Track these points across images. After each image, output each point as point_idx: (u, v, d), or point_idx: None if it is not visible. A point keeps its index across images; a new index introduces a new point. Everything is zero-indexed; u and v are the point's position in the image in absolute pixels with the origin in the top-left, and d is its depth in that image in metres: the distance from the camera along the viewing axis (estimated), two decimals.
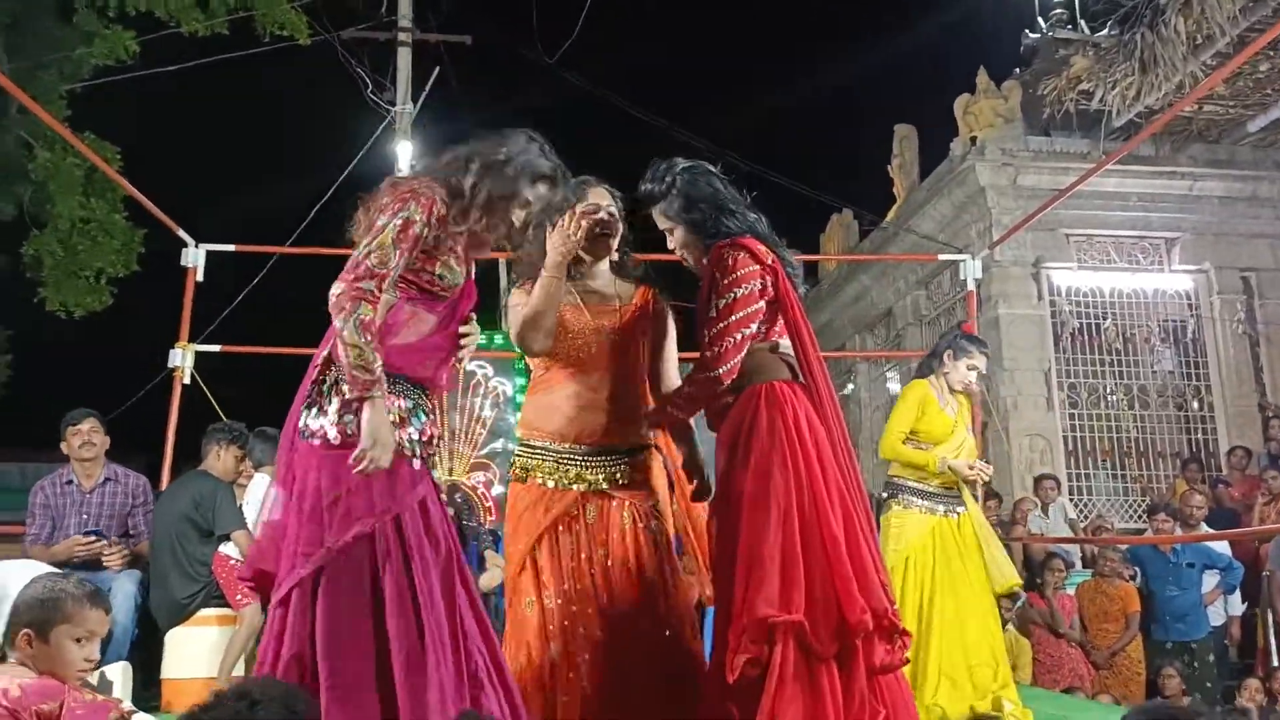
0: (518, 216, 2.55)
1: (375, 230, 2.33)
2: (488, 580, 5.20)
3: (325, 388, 2.37)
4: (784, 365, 2.76)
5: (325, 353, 2.39)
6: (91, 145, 9.13)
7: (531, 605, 2.73)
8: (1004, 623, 6.09)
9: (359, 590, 2.24)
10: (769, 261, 2.70)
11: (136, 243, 10.05)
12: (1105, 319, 10.68)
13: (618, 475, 2.83)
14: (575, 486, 2.79)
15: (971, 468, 4.33)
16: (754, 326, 2.66)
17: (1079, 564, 7.64)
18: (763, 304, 2.68)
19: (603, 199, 2.92)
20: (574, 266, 2.89)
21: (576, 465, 2.81)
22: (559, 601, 2.71)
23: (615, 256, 3.00)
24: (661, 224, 2.88)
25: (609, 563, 2.75)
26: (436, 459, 2.62)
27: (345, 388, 2.30)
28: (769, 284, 2.69)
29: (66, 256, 9.72)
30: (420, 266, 2.42)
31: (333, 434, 2.30)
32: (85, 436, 4.81)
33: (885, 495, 4.47)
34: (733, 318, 2.63)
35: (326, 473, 2.29)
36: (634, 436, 2.90)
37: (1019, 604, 6.50)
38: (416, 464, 2.39)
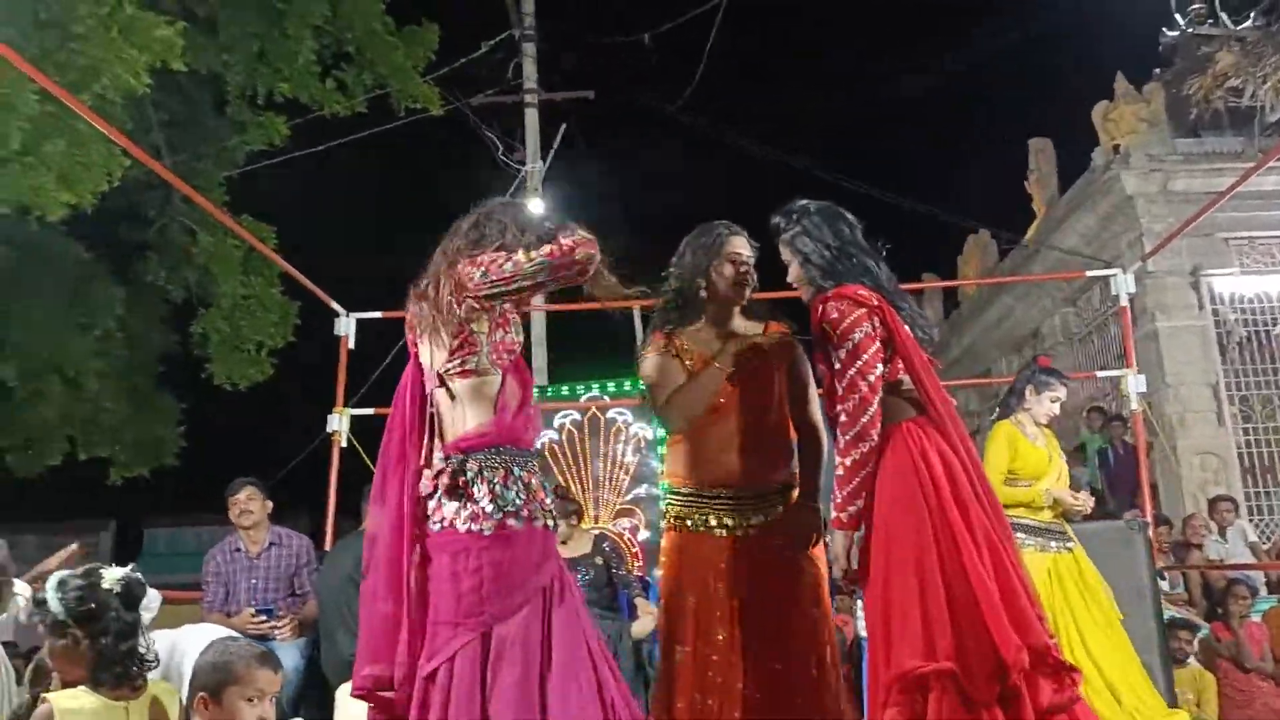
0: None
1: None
2: (640, 628, 5.19)
3: (468, 478, 2.46)
4: (908, 404, 2.70)
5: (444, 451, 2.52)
6: (248, 227, 9.73)
7: (683, 653, 2.73)
8: (1185, 656, 5.74)
9: (529, 656, 2.35)
10: (874, 303, 2.65)
11: (292, 315, 10.61)
12: (1276, 325, 10.04)
13: (767, 516, 2.82)
14: (727, 532, 2.80)
15: (1075, 497, 4.31)
16: (880, 368, 2.61)
17: (1264, 590, 7.12)
18: (879, 344, 2.63)
19: (743, 249, 2.99)
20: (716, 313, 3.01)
21: (727, 509, 2.82)
22: (714, 648, 2.70)
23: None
24: (784, 256, 2.90)
25: (762, 607, 2.73)
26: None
27: (489, 476, 2.45)
28: (878, 323, 2.64)
29: (230, 332, 10.33)
30: (503, 336, 2.55)
31: (488, 526, 2.41)
32: (243, 505, 5.01)
33: None
34: (857, 363, 2.59)
35: (488, 559, 2.40)
36: (781, 475, 2.90)
37: (1200, 634, 6.09)
38: (552, 530, 2.55)
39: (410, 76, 10.61)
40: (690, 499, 2.87)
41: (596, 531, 6.45)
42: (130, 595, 2.55)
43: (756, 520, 2.82)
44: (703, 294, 2.97)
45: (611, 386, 8.89)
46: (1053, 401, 4.48)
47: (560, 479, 8.26)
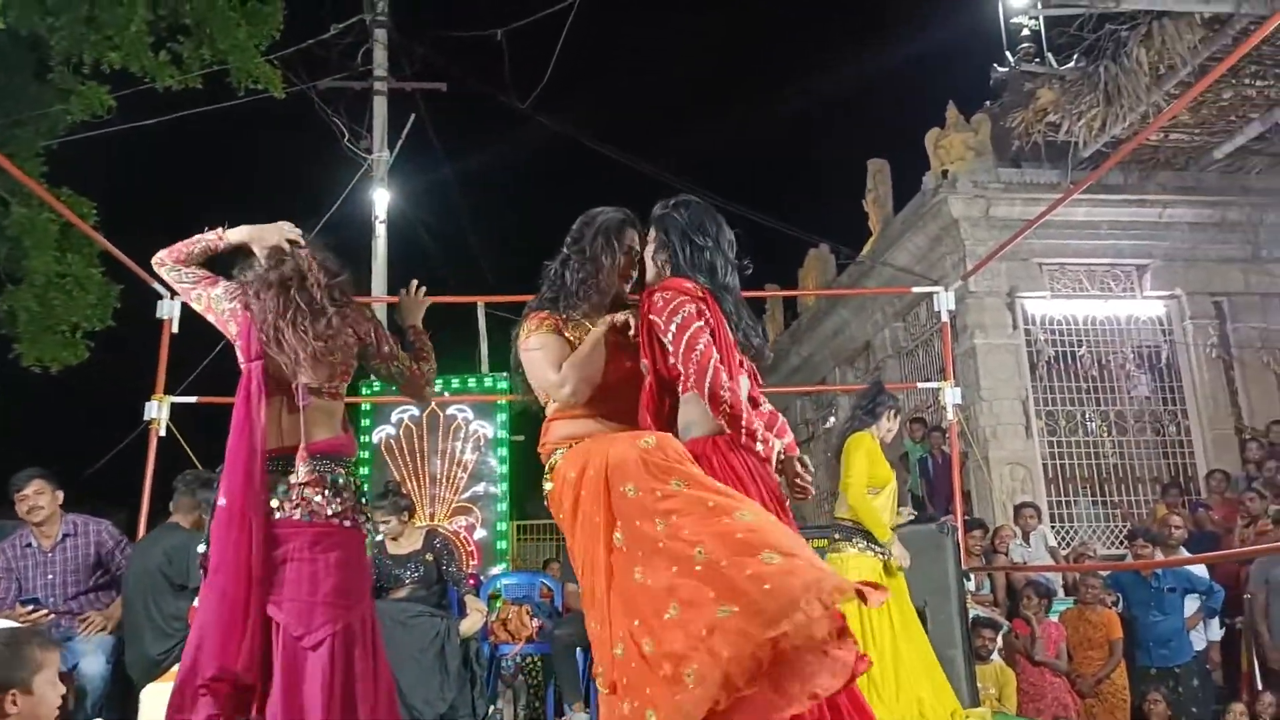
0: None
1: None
2: (468, 625, 5.16)
3: (331, 478, 2.86)
4: (709, 419, 2.71)
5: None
6: (68, 201, 9.15)
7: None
8: (988, 652, 6.11)
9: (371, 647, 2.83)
10: (698, 294, 2.72)
11: (112, 297, 10.03)
12: (1080, 346, 10.78)
13: None
14: None
15: (903, 557, 4.75)
16: (707, 336, 2.65)
17: (1061, 592, 7.64)
18: (704, 323, 2.68)
19: (636, 242, 2.96)
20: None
21: None
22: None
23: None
24: (650, 237, 2.92)
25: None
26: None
27: (343, 479, 2.91)
28: (703, 309, 2.70)
29: (42, 312, 9.68)
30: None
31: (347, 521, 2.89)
32: (31, 501, 4.69)
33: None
34: (686, 334, 2.64)
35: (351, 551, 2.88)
36: None
37: (1003, 632, 6.49)
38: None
39: (252, 55, 10.17)
40: None
41: (427, 528, 6.37)
42: None
43: None
44: (597, 281, 2.88)
45: (455, 383, 8.80)
46: (896, 421, 5.00)
47: (396, 475, 8.11)
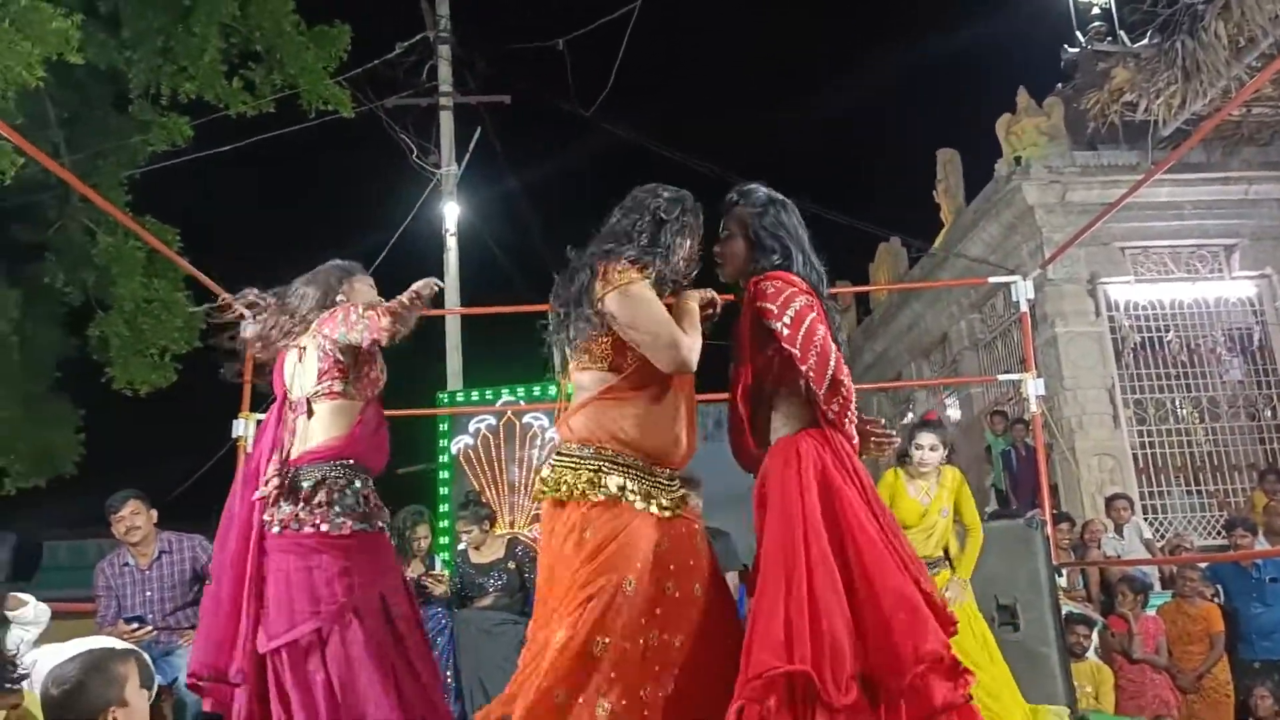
0: None
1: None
2: None
3: (309, 486, 2.97)
4: (808, 411, 2.66)
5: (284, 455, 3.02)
6: (151, 229, 9.46)
7: (600, 645, 2.42)
8: (1083, 650, 5.94)
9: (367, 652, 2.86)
10: (805, 288, 2.67)
11: (198, 320, 10.32)
12: (1168, 331, 10.46)
13: (689, 498, 2.72)
14: (666, 513, 2.58)
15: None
16: (823, 328, 2.59)
17: (1158, 585, 7.41)
18: (816, 315, 2.61)
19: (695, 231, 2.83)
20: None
21: (663, 490, 2.62)
22: (660, 637, 2.49)
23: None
24: (728, 229, 2.82)
25: (695, 592, 2.58)
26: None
27: (338, 487, 3.00)
28: (813, 303, 2.63)
29: (132, 336, 10.01)
30: (368, 371, 3.13)
31: (342, 526, 2.95)
32: (128, 521, 4.81)
33: None
34: (804, 326, 2.55)
35: (339, 558, 2.93)
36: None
37: (1098, 628, 6.31)
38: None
39: (320, 77, 10.43)
40: (633, 471, 2.57)
41: (509, 536, 6.42)
42: None
43: (681, 500, 2.66)
44: (694, 257, 2.79)
45: (532, 391, 8.86)
46: (919, 450, 4.78)
47: (475, 484, 8.20)
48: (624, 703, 2.39)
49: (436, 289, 3.01)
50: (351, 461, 3.06)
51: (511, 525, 8.18)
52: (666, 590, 2.51)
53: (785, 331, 2.57)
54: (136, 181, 10.40)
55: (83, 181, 7.43)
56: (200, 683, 2.89)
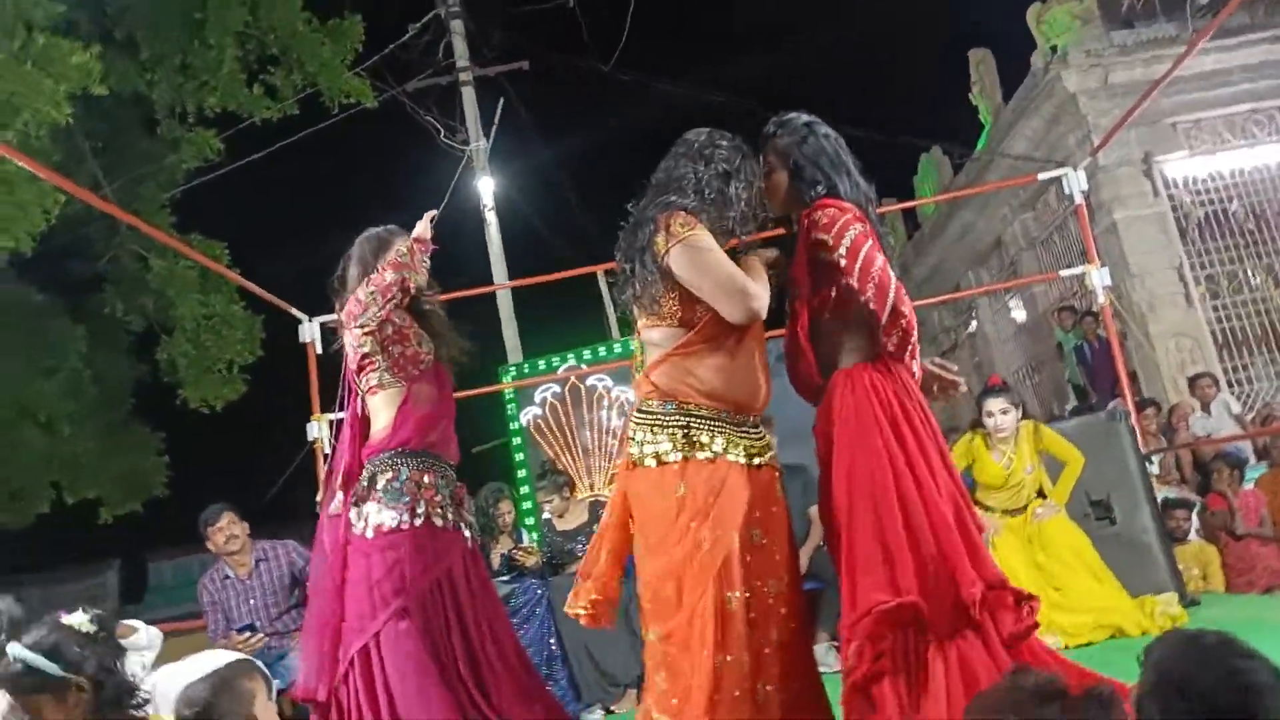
0: None
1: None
2: None
3: (367, 484, 2.94)
4: (870, 343, 2.60)
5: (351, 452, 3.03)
6: (199, 246, 9.61)
7: (735, 600, 2.40)
8: (1184, 533, 5.84)
9: (420, 650, 2.78)
10: (859, 214, 2.59)
11: (257, 329, 10.49)
12: (1231, 201, 10.12)
13: (769, 445, 2.63)
14: (756, 460, 2.53)
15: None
16: (880, 256, 2.53)
17: (1253, 459, 7.23)
18: (873, 243, 2.54)
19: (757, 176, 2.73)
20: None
21: (750, 438, 2.55)
22: (760, 589, 2.44)
23: None
24: (768, 163, 2.74)
25: (778, 539, 2.52)
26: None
27: (381, 480, 2.94)
28: (867, 231, 2.57)
29: (197, 355, 10.21)
30: (402, 351, 3.04)
31: (388, 521, 2.88)
32: (225, 533, 4.90)
33: None
34: (861, 256, 2.50)
35: (390, 557, 2.86)
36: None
37: (1196, 510, 6.18)
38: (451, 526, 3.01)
39: (339, 71, 10.44)
40: (715, 423, 2.50)
41: (591, 499, 6.46)
42: (104, 633, 2.53)
43: (765, 446, 2.59)
44: (759, 207, 2.68)
45: (587, 354, 8.87)
46: (990, 418, 4.84)
47: (548, 452, 8.26)
48: (746, 656, 2.37)
49: (432, 220, 3.10)
50: (400, 449, 2.97)
51: (591, 488, 8.24)
52: (754, 539, 2.47)
53: (843, 262, 2.52)
54: (178, 201, 10.55)
55: (125, 209, 7.56)
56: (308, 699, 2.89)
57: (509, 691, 2.91)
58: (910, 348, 2.56)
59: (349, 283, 3.11)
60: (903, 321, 2.52)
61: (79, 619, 2.52)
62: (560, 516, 5.63)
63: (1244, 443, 7.34)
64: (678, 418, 2.51)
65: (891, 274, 2.53)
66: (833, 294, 2.63)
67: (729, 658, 2.34)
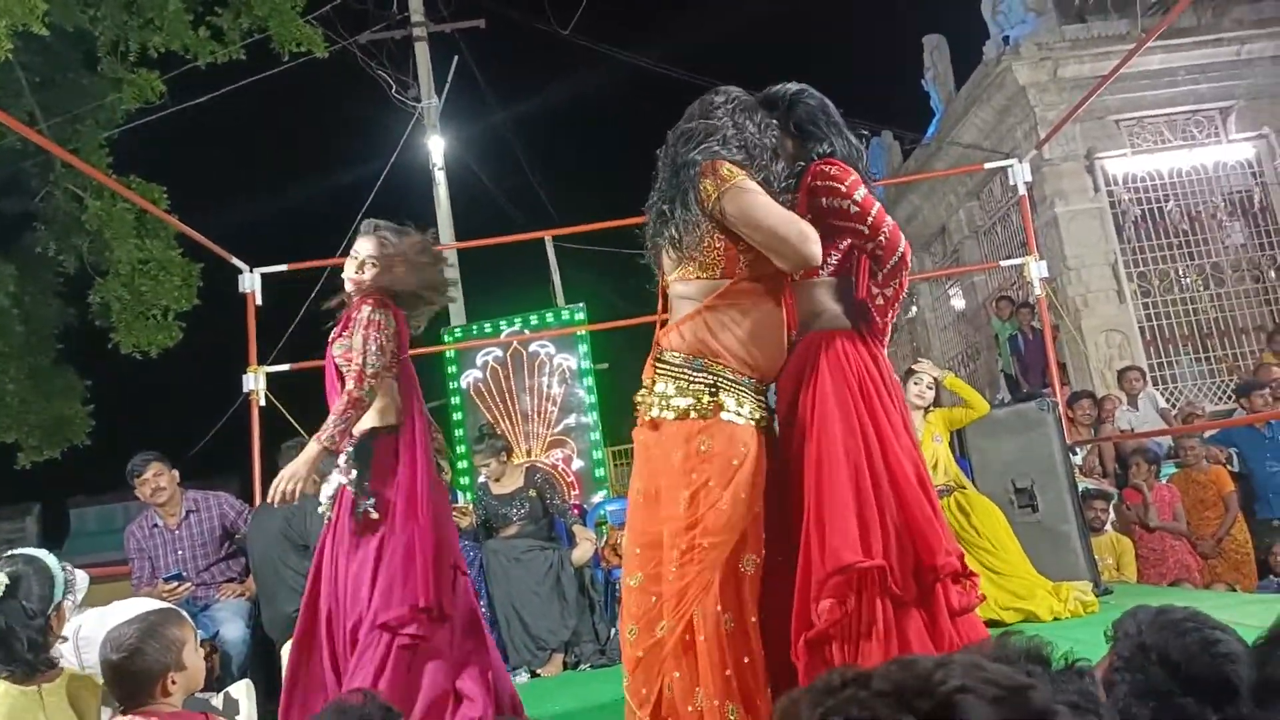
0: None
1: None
2: (580, 555, 5.27)
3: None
4: (850, 311, 2.65)
5: None
6: (138, 189, 9.36)
7: (751, 563, 2.44)
8: (1101, 524, 6.03)
9: None
10: (859, 178, 2.64)
11: (195, 276, 10.27)
12: (1168, 201, 10.37)
13: (771, 409, 2.65)
14: (762, 423, 2.55)
15: None
16: (888, 217, 2.59)
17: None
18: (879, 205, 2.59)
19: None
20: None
21: (759, 402, 2.57)
22: (766, 551, 2.49)
23: None
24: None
25: (768, 500, 2.53)
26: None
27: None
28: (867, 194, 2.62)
29: (132, 299, 9.97)
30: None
31: None
32: (152, 483, 4.85)
33: None
34: (873, 210, 2.54)
35: None
36: None
37: (1113, 502, 6.39)
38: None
39: (291, 18, 10.19)
40: (738, 386, 2.52)
41: (528, 465, 6.48)
42: (23, 582, 2.50)
43: (769, 410, 2.63)
44: (780, 173, 2.66)
45: (533, 319, 8.86)
46: (915, 384, 5.20)
47: (487, 416, 8.25)
48: (753, 619, 2.43)
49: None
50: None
51: (528, 454, 8.25)
52: (763, 505, 2.52)
53: (855, 209, 2.55)
54: (116, 142, 10.25)
55: (62, 147, 7.34)
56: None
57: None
58: (893, 311, 2.62)
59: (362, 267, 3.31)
60: (901, 277, 2.58)
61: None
62: (496, 480, 5.64)
63: (1164, 439, 7.58)
64: (705, 376, 2.50)
65: (902, 236, 2.58)
66: (831, 254, 2.64)
67: (732, 620, 2.38)
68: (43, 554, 2.64)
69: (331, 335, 3.32)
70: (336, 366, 3.23)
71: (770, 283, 2.55)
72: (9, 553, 2.66)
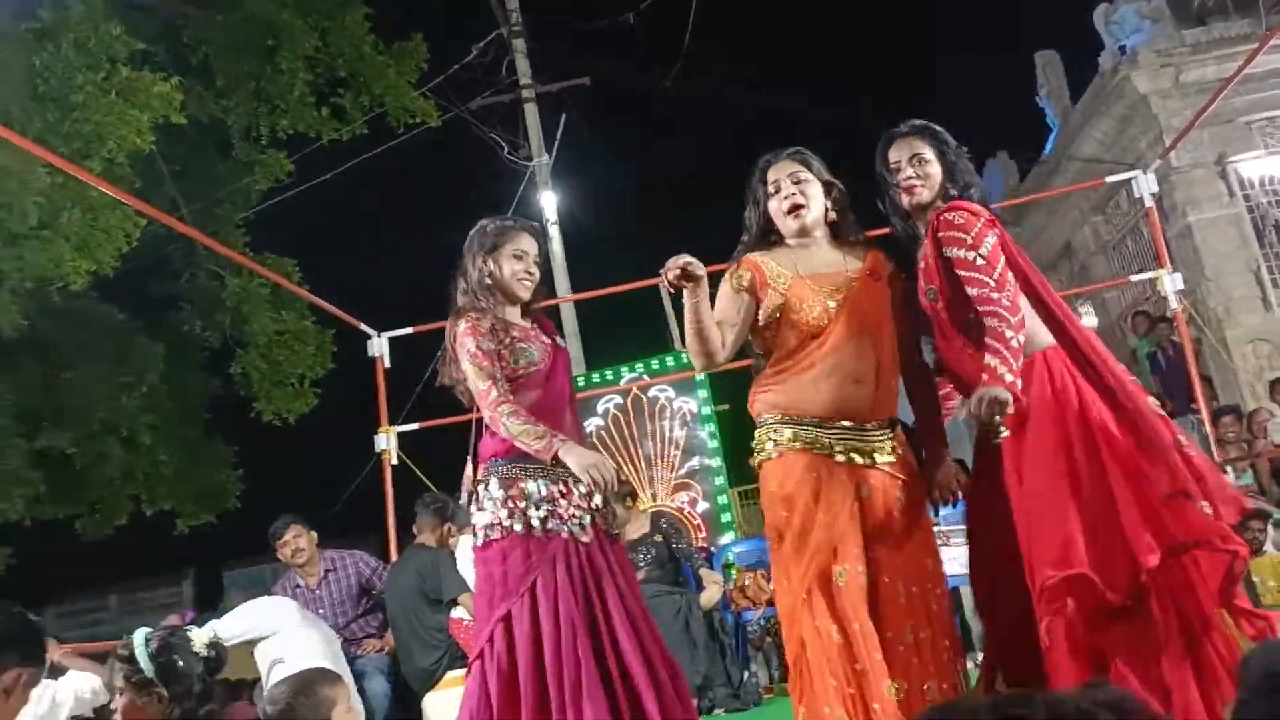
0: (510, 264, 2.92)
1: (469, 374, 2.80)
2: (709, 597, 5.23)
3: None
4: (1036, 329, 2.61)
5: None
6: (271, 265, 9.86)
7: (844, 575, 2.56)
8: (1260, 544, 5.67)
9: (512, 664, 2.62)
10: (989, 216, 2.64)
11: (328, 344, 10.73)
12: None
13: (887, 448, 2.69)
14: (848, 459, 2.65)
15: None
16: (1011, 276, 2.58)
17: None
18: (1004, 255, 2.59)
19: (784, 170, 2.84)
20: (791, 240, 2.84)
21: (845, 440, 2.67)
22: (863, 570, 2.58)
23: (833, 218, 2.87)
24: (926, 150, 2.77)
25: (883, 544, 2.64)
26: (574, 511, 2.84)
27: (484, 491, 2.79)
28: (1001, 239, 2.62)
29: (270, 369, 10.48)
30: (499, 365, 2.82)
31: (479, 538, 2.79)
32: (292, 544, 5.05)
33: None
34: (999, 264, 2.55)
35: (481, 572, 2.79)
36: (893, 409, 2.76)
37: (1273, 520, 6.00)
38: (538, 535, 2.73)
39: (405, 91, 10.66)
40: (804, 427, 2.67)
41: (653, 510, 6.49)
42: (217, 661, 2.63)
43: (876, 451, 2.68)
44: (771, 235, 2.87)
45: (653, 364, 8.93)
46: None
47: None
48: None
49: None
50: (496, 459, 2.82)
51: (653, 499, 8.27)
52: None
53: (980, 262, 2.55)
54: (251, 221, 10.86)
55: (202, 230, 7.81)
56: None
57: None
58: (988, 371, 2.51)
59: (465, 273, 2.98)
60: (1010, 346, 2.48)
61: (203, 636, 2.63)
62: (623, 527, 5.66)
63: None
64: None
65: (1021, 301, 2.56)
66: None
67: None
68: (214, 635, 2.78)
69: None
70: None
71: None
72: (183, 626, 2.80)
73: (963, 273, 2.57)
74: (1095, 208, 11.74)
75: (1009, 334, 2.47)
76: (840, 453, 2.66)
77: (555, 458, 2.61)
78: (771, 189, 2.84)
